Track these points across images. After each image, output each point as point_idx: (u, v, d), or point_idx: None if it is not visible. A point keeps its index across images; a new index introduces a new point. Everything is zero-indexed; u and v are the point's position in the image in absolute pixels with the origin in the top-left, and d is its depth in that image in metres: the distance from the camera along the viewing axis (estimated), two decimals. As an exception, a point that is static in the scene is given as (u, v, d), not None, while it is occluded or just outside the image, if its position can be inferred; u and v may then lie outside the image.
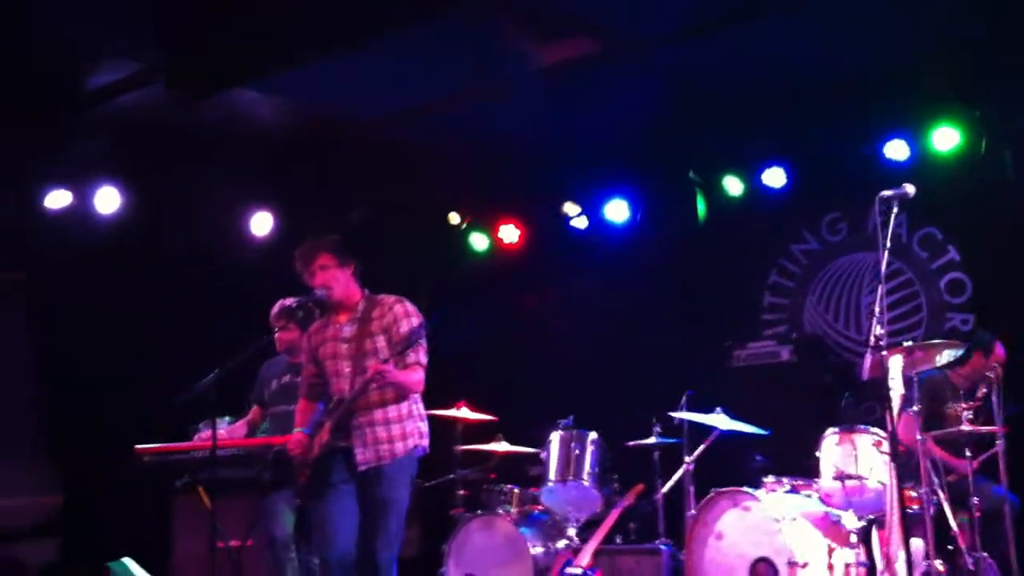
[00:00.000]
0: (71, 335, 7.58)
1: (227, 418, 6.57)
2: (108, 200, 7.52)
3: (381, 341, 5.13)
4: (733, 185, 8.23)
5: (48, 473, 7.59)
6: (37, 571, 7.44)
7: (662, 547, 6.64)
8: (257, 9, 6.16)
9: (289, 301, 6.05)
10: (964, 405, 5.87)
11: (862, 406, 6.95)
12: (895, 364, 5.26)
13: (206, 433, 6.23)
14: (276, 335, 6.21)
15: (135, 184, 7.64)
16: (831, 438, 6.07)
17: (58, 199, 7.39)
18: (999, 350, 6.41)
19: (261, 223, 8.33)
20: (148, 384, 7.24)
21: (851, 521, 5.94)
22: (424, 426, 5.28)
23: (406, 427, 5.15)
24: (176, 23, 6.22)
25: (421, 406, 5.30)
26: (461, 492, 7.28)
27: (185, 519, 6.78)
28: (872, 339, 4.76)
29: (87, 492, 7.49)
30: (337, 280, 5.20)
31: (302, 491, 5.28)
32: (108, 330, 7.54)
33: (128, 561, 6.16)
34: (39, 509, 7.57)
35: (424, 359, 5.15)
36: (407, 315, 5.18)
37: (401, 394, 5.14)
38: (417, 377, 5.14)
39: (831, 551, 5.97)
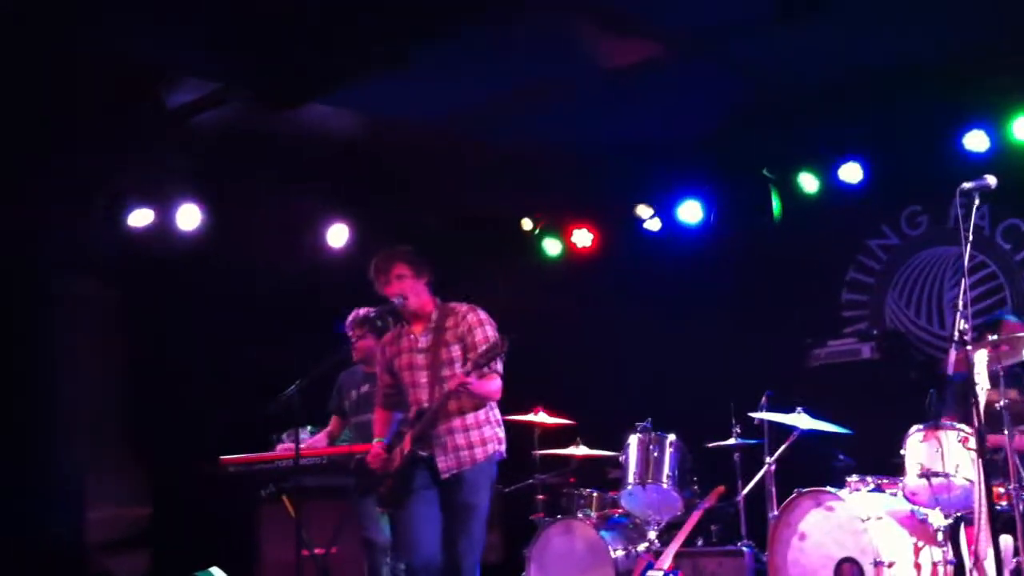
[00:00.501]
0: (155, 349, 7.76)
1: (309, 428, 6.68)
2: (189, 217, 7.69)
3: (456, 350, 5.19)
4: (808, 182, 8.12)
5: (137, 485, 7.77)
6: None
7: (745, 549, 6.60)
8: (330, 22, 6.24)
9: (364, 311, 6.15)
10: None
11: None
12: (980, 359, 5.15)
13: (289, 444, 6.37)
14: (354, 344, 6.32)
15: (214, 200, 7.80)
16: (916, 435, 5.95)
17: (141, 217, 7.56)
18: (1008, 326, 6.19)
19: (337, 235, 8.44)
20: (231, 396, 7.38)
21: (938, 519, 5.83)
22: (501, 432, 5.32)
23: (484, 433, 5.21)
24: (254, 40, 6.33)
25: (497, 412, 5.35)
26: (540, 497, 7.31)
27: (271, 528, 6.90)
28: (956, 334, 4.68)
29: (175, 503, 7.65)
30: (413, 290, 5.26)
31: (382, 500, 5.35)
32: (191, 344, 7.71)
33: (215, 570, 6.29)
34: (129, 521, 7.75)
35: (500, 367, 5.19)
36: (481, 324, 5.23)
37: (479, 402, 5.19)
38: (495, 386, 5.19)
39: (918, 550, 5.87)
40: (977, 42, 6.76)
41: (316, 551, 6.29)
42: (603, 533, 6.72)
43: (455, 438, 5.17)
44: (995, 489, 5.38)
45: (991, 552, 4.60)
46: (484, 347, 5.07)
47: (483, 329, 5.21)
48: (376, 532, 6.24)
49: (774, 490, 6.52)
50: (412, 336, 5.32)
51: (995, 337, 5.55)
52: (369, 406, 6.41)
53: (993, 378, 5.25)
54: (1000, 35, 6.70)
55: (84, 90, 6.54)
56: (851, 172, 7.86)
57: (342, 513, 6.32)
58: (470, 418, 5.20)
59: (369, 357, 6.29)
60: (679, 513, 6.78)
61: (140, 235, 7.60)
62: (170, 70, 6.67)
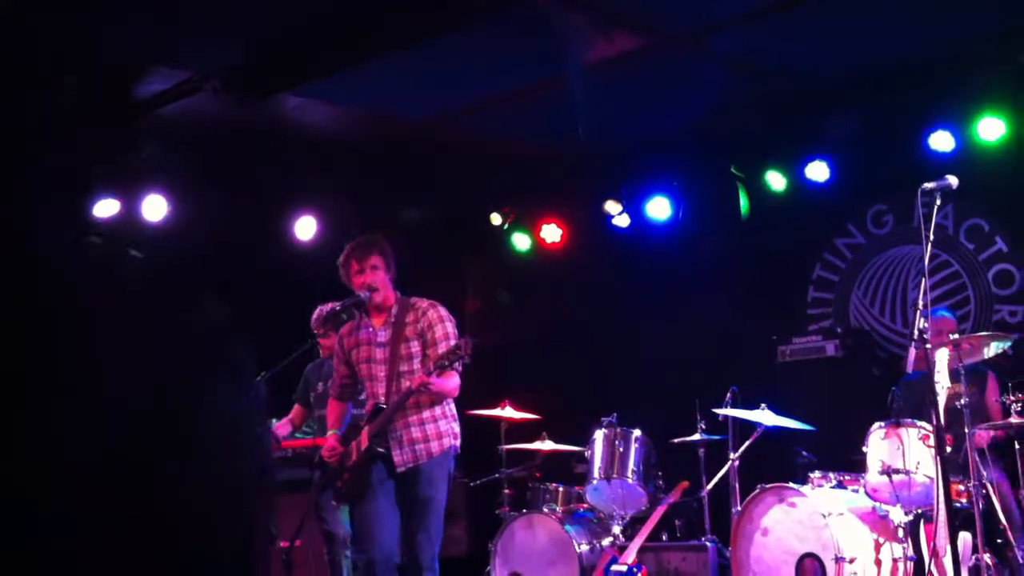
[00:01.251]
0: (119, 341, 7.69)
1: (272, 420, 6.67)
2: (155, 208, 7.64)
3: (416, 346, 5.19)
4: (776, 180, 8.17)
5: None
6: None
7: (708, 544, 6.63)
8: (304, 13, 6.21)
9: (329, 306, 6.11)
10: (1012, 397, 5.81)
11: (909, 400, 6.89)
12: (941, 357, 5.22)
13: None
14: (320, 341, 6.31)
15: (181, 191, 7.75)
16: (878, 432, 6.01)
17: (106, 208, 7.50)
18: (936, 322, 6.15)
19: (305, 228, 8.41)
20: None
21: (898, 516, 5.88)
22: (456, 426, 5.32)
23: (440, 427, 5.21)
24: (225, 29, 6.29)
25: (453, 407, 5.34)
26: (506, 491, 7.32)
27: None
28: (916, 332, 4.72)
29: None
30: (383, 283, 5.25)
31: (339, 495, 5.34)
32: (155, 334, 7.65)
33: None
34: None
35: (460, 364, 5.19)
36: (441, 320, 5.21)
37: (436, 398, 5.20)
38: (454, 383, 5.19)
39: (878, 546, 5.94)
40: (944, 43, 6.82)
41: (281, 544, 6.28)
42: (568, 527, 6.75)
43: (411, 432, 5.16)
44: (955, 486, 5.45)
45: (950, 549, 4.65)
46: (445, 347, 5.06)
47: (443, 326, 5.20)
48: (336, 525, 6.24)
49: (737, 486, 6.56)
50: (371, 329, 5.31)
51: (956, 336, 5.63)
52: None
53: (954, 376, 5.34)
54: (967, 36, 6.76)
55: (50, 78, 6.47)
56: (818, 170, 7.91)
57: (309, 506, 6.31)
58: (426, 413, 5.18)
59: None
60: (643, 508, 6.81)
61: (105, 226, 7.53)
62: (140, 59, 6.61)
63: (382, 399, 5.18)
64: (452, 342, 5.10)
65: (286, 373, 5.80)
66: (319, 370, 6.63)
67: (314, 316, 6.43)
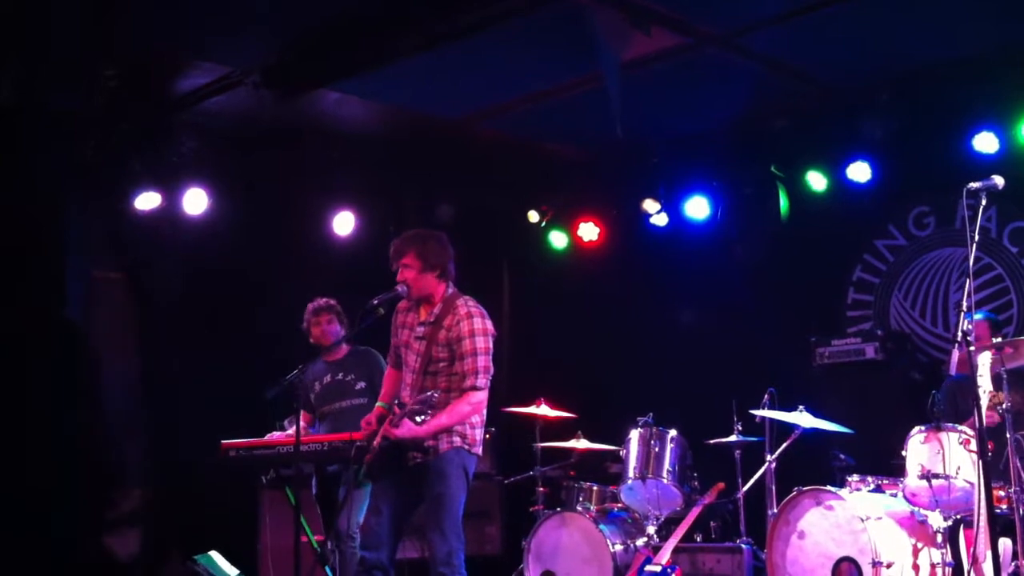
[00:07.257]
0: (160, 333, 7.76)
1: (284, 423, 6.72)
2: (196, 201, 7.69)
3: (444, 352, 5.16)
4: (816, 180, 8.10)
5: (138, 466, 7.78)
6: (125, 563, 7.63)
7: (743, 546, 6.61)
8: (344, 9, 6.24)
9: (319, 302, 6.66)
10: None
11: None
12: (984, 361, 5.14)
13: (289, 432, 6.40)
14: (312, 330, 6.68)
15: (221, 185, 7.80)
16: (917, 436, 5.95)
17: (148, 201, 7.57)
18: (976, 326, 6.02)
19: (343, 223, 8.44)
20: (235, 380, 7.38)
21: (937, 521, 5.83)
22: (473, 432, 5.21)
23: (453, 429, 5.15)
24: (265, 27, 6.34)
25: (477, 415, 5.25)
26: (541, 489, 7.32)
27: (271, 513, 6.92)
28: (959, 335, 4.66)
29: (176, 485, 7.66)
30: (416, 282, 5.23)
31: (368, 470, 5.29)
32: (195, 328, 7.71)
33: (214, 554, 6.31)
34: (129, 501, 7.76)
35: (483, 381, 5.11)
36: (472, 334, 5.13)
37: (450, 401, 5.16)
38: (463, 410, 5.07)
39: (916, 551, 5.88)
40: (989, 43, 6.74)
41: (316, 538, 6.31)
42: (602, 527, 6.73)
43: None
44: (995, 492, 5.38)
45: (990, 555, 4.59)
46: (472, 365, 5.05)
47: (472, 341, 5.11)
48: (341, 519, 6.29)
49: (774, 488, 6.53)
50: (417, 316, 5.33)
51: (999, 340, 5.56)
52: (335, 394, 6.55)
53: (996, 380, 5.26)
54: (1012, 37, 6.68)
55: (94, 73, 6.54)
56: (859, 171, 7.83)
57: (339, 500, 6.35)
58: (443, 417, 5.10)
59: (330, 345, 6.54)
60: (678, 508, 6.78)
61: (147, 218, 7.60)
62: (181, 54, 6.67)
63: (407, 392, 5.18)
64: (480, 360, 5.08)
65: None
66: (314, 370, 6.66)
67: (308, 309, 6.73)
